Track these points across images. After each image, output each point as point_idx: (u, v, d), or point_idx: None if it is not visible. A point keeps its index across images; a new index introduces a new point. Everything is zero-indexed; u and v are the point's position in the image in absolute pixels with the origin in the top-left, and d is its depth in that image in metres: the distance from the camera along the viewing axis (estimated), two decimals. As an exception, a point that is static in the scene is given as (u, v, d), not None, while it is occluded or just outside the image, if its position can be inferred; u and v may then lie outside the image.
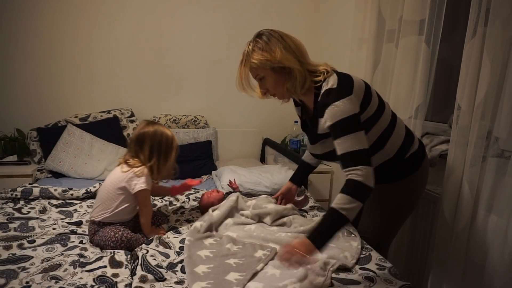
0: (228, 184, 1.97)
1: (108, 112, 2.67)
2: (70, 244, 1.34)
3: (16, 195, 1.75)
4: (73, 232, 1.46)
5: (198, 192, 2.03)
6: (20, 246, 1.30)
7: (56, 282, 1.07)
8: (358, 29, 2.28)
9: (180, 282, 1.13)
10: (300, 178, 1.70)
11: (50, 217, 1.58)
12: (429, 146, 1.75)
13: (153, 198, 1.87)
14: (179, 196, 1.97)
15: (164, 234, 1.46)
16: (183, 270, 1.19)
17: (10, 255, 1.24)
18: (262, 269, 1.19)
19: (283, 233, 1.43)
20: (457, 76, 1.52)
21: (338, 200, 1.10)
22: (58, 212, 1.65)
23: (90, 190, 1.85)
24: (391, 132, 1.32)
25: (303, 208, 1.79)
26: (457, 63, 1.55)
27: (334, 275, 1.16)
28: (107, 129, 2.57)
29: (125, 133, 2.65)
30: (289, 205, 1.63)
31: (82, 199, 1.83)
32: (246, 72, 1.30)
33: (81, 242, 1.38)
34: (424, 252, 1.75)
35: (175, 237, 1.44)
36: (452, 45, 1.83)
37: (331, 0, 2.82)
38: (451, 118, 1.60)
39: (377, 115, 1.28)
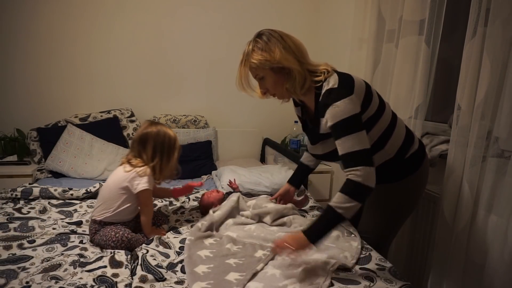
0: (228, 184, 1.97)
1: (108, 112, 2.67)
2: (70, 244, 1.34)
3: (16, 195, 1.75)
4: (73, 232, 1.46)
5: (198, 192, 2.03)
6: (20, 246, 1.30)
7: (56, 282, 1.07)
8: (358, 29, 2.28)
9: (180, 282, 1.13)
10: (299, 180, 1.70)
11: (50, 217, 1.58)
12: (429, 146, 1.75)
13: (154, 198, 1.87)
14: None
15: (165, 235, 1.46)
16: (183, 270, 1.19)
17: (10, 255, 1.24)
18: (262, 269, 1.19)
19: (283, 233, 1.43)
20: (457, 76, 1.52)
21: (336, 199, 1.13)
22: (58, 212, 1.65)
23: (90, 190, 1.85)
24: (391, 132, 1.32)
25: (303, 208, 1.79)
26: (457, 63, 1.55)
27: (334, 275, 1.16)
28: (107, 129, 2.57)
29: (125, 133, 2.65)
30: (289, 205, 1.63)
31: (82, 199, 1.83)
32: (246, 72, 1.30)
33: (81, 242, 1.38)
34: (424, 252, 1.75)
35: (175, 237, 1.44)
36: (452, 45, 1.83)
37: (331, 0, 2.82)
38: (451, 118, 1.60)
39: (378, 115, 1.28)
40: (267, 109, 2.99)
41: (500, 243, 1.34)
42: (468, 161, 1.47)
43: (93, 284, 1.08)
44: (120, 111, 2.70)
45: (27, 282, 1.06)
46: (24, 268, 1.15)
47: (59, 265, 1.17)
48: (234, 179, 1.99)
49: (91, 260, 1.21)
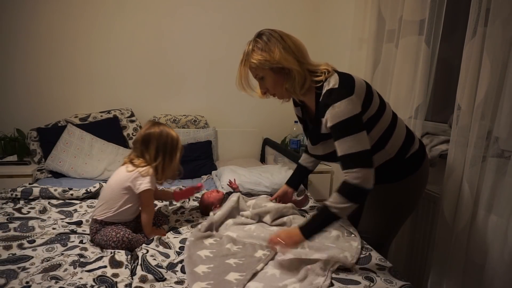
0: (228, 184, 1.97)
1: (108, 112, 2.67)
2: (70, 244, 1.34)
3: (16, 195, 1.75)
4: (73, 232, 1.46)
5: (198, 192, 2.03)
6: (20, 246, 1.30)
7: (56, 282, 1.07)
8: (358, 29, 2.28)
9: (180, 282, 1.13)
10: (297, 181, 1.70)
11: (50, 217, 1.58)
12: (429, 146, 1.75)
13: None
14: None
15: (165, 235, 1.46)
16: (183, 270, 1.19)
17: (10, 255, 1.24)
18: (262, 269, 1.19)
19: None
20: (457, 76, 1.52)
21: (333, 199, 1.16)
22: (58, 212, 1.65)
23: (90, 190, 1.85)
24: (392, 132, 1.32)
25: (303, 208, 1.79)
26: (457, 63, 1.55)
27: (334, 275, 1.16)
28: (107, 129, 2.57)
29: (125, 133, 2.65)
30: (289, 204, 1.63)
31: (82, 199, 1.83)
32: (246, 72, 1.30)
33: (81, 242, 1.38)
34: (424, 252, 1.75)
35: (175, 237, 1.44)
36: (452, 45, 1.83)
37: (331, 0, 2.82)
38: (451, 118, 1.60)
39: (378, 115, 1.28)
40: (267, 109, 2.99)
41: (500, 243, 1.34)
42: (468, 161, 1.47)
43: (93, 284, 1.08)
44: (120, 111, 2.70)
45: (27, 282, 1.06)
46: (24, 268, 1.15)
47: (59, 265, 1.17)
48: (234, 179, 1.99)
49: (91, 260, 1.21)
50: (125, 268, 1.17)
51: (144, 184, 1.41)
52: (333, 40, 2.77)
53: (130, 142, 2.65)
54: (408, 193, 1.43)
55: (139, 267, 1.17)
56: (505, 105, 1.33)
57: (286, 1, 2.94)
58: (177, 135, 1.52)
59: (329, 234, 1.44)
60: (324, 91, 1.23)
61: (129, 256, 1.26)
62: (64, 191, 1.81)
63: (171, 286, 1.10)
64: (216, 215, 1.54)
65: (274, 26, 1.36)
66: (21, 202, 1.72)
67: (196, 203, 1.85)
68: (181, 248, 1.35)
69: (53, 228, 1.46)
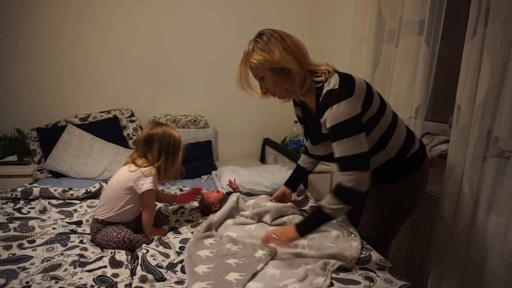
0: (228, 184, 1.97)
1: (108, 112, 2.67)
2: (70, 244, 1.34)
3: (16, 195, 1.75)
4: (73, 232, 1.46)
5: (199, 195, 2.03)
6: (20, 246, 1.30)
7: (56, 282, 1.07)
8: (358, 29, 2.28)
9: (180, 282, 1.13)
10: (296, 182, 1.70)
11: (50, 217, 1.58)
12: (429, 146, 1.75)
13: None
14: (179, 196, 1.97)
15: (165, 235, 1.46)
16: (183, 270, 1.19)
17: (10, 255, 1.24)
18: (262, 269, 1.19)
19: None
20: (457, 76, 1.52)
21: (327, 200, 1.19)
22: (58, 212, 1.65)
23: (90, 190, 1.85)
24: (392, 132, 1.32)
25: (303, 208, 1.79)
26: (457, 63, 1.55)
27: (334, 275, 1.16)
28: (107, 129, 2.57)
29: (125, 133, 2.65)
30: (289, 203, 1.63)
31: (82, 199, 1.83)
32: (246, 71, 1.30)
33: (81, 242, 1.38)
34: (424, 252, 1.75)
35: (175, 237, 1.44)
36: (452, 45, 1.83)
37: (331, 0, 2.82)
38: (451, 118, 1.60)
39: (379, 115, 1.28)
40: (267, 109, 2.99)
41: (500, 243, 1.34)
42: (468, 161, 1.47)
43: (93, 284, 1.08)
44: (120, 111, 2.70)
45: (27, 282, 1.06)
46: (24, 268, 1.15)
47: (59, 265, 1.17)
48: (234, 179, 1.99)
49: (91, 260, 1.21)
50: (125, 268, 1.17)
51: (146, 184, 1.42)
52: (333, 40, 2.77)
53: (130, 142, 2.65)
54: (408, 193, 1.43)
55: (139, 267, 1.17)
56: (505, 105, 1.33)
57: (286, 1, 2.94)
58: (179, 135, 1.53)
59: (329, 234, 1.44)
60: (324, 91, 1.23)
61: (129, 256, 1.26)
62: (64, 191, 1.81)
63: (171, 286, 1.10)
64: (215, 215, 1.54)
65: (274, 26, 1.36)
66: (21, 202, 1.72)
67: (196, 203, 1.85)
68: (181, 248, 1.35)
69: (53, 228, 1.46)
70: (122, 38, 2.68)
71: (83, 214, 1.66)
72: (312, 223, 1.23)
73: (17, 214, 1.57)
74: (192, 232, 1.48)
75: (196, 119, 2.85)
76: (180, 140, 1.52)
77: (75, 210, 1.70)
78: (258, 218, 1.57)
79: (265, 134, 3.05)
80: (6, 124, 2.52)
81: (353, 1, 2.30)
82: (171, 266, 1.22)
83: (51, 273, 1.11)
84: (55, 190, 1.80)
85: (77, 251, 1.28)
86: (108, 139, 2.51)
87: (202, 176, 2.49)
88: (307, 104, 1.39)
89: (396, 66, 1.91)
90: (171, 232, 1.50)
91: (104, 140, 2.49)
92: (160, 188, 1.67)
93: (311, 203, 1.87)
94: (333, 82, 1.21)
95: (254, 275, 1.15)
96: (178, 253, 1.31)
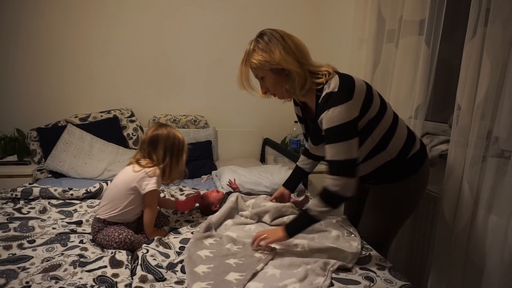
0: (228, 184, 1.97)
1: (108, 112, 2.67)
2: (70, 244, 1.34)
3: (16, 195, 1.75)
4: (73, 232, 1.46)
5: (198, 192, 2.03)
6: (20, 246, 1.30)
7: (56, 282, 1.07)
8: (358, 29, 2.28)
9: (180, 282, 1.13)
10: (294, 183, 1.70)
11: (50, 217, 1.58)
12: (429, 146, 1.75)
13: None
14: (178, 196, 1.97)
15: (165, 236, 1.46)
16: (183, 270, 1.19)
17: (10, 255, 1.24)
18: (262, 269, 1.19)
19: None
20: (457, 76, 1.52)
21: (314, 202, 1.23)
22: (58, 212, 1.65)
23: (90, 190, 1.85)
24: (393, 133, 1.33)
25: (303, 208, 1.79)
26: (457, 63, 1.55)
27: (334, 275, 1.16)
28: (107, 129, 2.57)
29: (125, 133, 2.65)
30: (288, 203, 1.63)
31: (82, 199, 1.83)
32: (247, 71, 1.30)
33: (81, 242, 1.38)
34: (424, 252, 1.75)
35: (175, 238, 1.44)
36: (452, 45, 1.83)
37: (331, 0, 2.82)
38: (451, 118, 1.59)
39: (379, 117, 1.28)
40: (267, 109, 2.99)
41: (500, 243, 1.34)
42: (468, 161, 1.47)
43: (93, 284, 1.08)
44: (120, 111, 2.70)
45: (27, 282, 1.06)
46: (24, 268, 1.15)
47: (59, 265, 1.17)
48: (234, 179, 1.99)
49: (91, 260, 1.21)
50: (125, 268, 1.17)
51: (150, 184, 1.42)
52: (333, 40, 2.77)
53: (130, 142, 2.65)
54: (408, 193, 1.43)
55: (139, 267, 1.17)
56: (505, 105, 1.33)
57: (286, 1, 2.94)
58: (183, 137, 1.54)
59: (329, 234, 1.44)
60: (323, 93, 1.23)
61: (130, 257, 1.26)
62: (64, 191, 1.81)
63: (171, 286, 1.10)
64: (214, 216, 1.54)
65: (274, 26, 1.36)
66: (21, 202, 1.72)
67: (196, 203, 1.85)
68: (181, 248, 1.35)
69: (53, 228, 1.46)
70: (122, 38, 2.68)
71: (83, 214, 1.66)
72: (299, 224, 1.28)
73: (17, 214, 1.57)
74: (192, 232, 1.48)
75: (196, 119, 2.85)
76: (184, 141, 1.53)
77: (75, 210, 1.69)
78: (258, 218, 1.57)
79: (265, 134, 3.05)
80: (6, 124, 2.52)
81: (353, 1, 2.30)
82: (171, 266, 1.22)
83: (51, 273, 1.11)
84: (55, 190, 1.80)
85: (77, 251, 1.28)
86: (108, 139, 2.52)
87: (202, 176, 2.49)
88: (307, 104, 1.39)
89: (396, 66, 1.91)
90: (171, 232, 1.50)
91: (104, 140, 2.50)
92: (161, 187, 1.67)
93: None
94: (333, 85, 1.21)
95: (254, 275, 1.14)
96: (178, 253, 1.31)
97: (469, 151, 1.47)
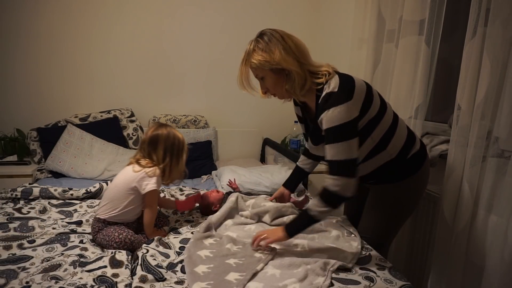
0: (228, 184, 1.97)
1: (108, 112, 2.67)
2: (70, 244, 1.34)
3: (16, 195, 1.75)
4: (73, 232, 1.46)
5: (198, 192, 2.03)
6: (20, 246, 1.30)
7: (56, 282, 1.07)
8: (358, 29, 2.28)
9: (180, 282, 1.13)
10: (294, 183, 1.70)
11: (50, 217, 1.58)
12: (429, 146, 1.75)
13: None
14: (178, 196, 1.97)
15: (165, 236, 1.46)
16: (183, 270, 1.19)
17: (10, 255, 1.24)
18: (262, 269, 1.19)
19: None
20: (457, 76, 1.52)
21: (314, 202, 1.23)
22: (58, 212, 1.65)
23: (90, 190, 1.85)
24: (393, 133, 1.33)
25: (303, 208, 1.79)
26: (457, 63, 1.55)
27: (334, 275, 1.16)
28: (107, 129, 2.57)
29: (125, 133, 2.65)
30: (288, 203, 1.63)
31: (82, 199, 1.83)
32: (247, 71, 1.30)
33: (81, 242, 1.38)
34: (424, 252, 1.75)
35: (175, 238, 1.44)
36: (452, 45, 1.83)
37: (331, 0, 2.82)
38: (451, 118, 1.59)
39: (379, 117, 1.28)
40: (267, 109, 2.99)
41: (500, 243, 1.34)
42: (468, 161, 1.47)
43: (93, 284, 1.08)
44: (120, 111, 2.70)
45: (27, 282, 1.06)
46: (24, 268, 1.15)
47: (59, 265, 1.17)
48: (234, 179, 1.99)
49: (91, 260, 1.21)
50: (125, 268, 1.17)
51: (150, 184, 1.42)
52: (333, 40, 2.77)
53: (130, 142, 2.65)
54: (409, 193, 1.43)
55: (139, 267, 1.17)
56: (505, 105, 1.33)
57: (286, 1, 2.94)
58: (183, 137, 1.54)
59: (329, 234, 1.44)
60: (323, 93, 1.23)
61: (130, 257, 1.26)
62: (64, 191, 1.81)
63: (171, 286, 1.10)
64: (214, 216, 1.54)
65: (274, 26, 1.36)
66: (21, 202, 1.72)
67: (196, 203, 1.85)
68: (181, 248, 1.35)
69: (53, 228, 1.46)
70: (122, 38, 2.68)
71: (83, 214, 1.66)
72: (299, 224, 1.28)
73: (17, 214, 1.57)
74: (192, 232, 1.48)
75: (196, 119, 2.85)
76: (184, 141, 1.53)
77: (75, 210, 1.69)
78: (258, 218, 1.57)
79: (265, 134, 3.05)
80: (6, 124, 2.52)
81: (353, 1, 2.30)
82: (171, 266, 1.22)
83: (51, 273, 1.11)
84: (55, 190, 1.80)
85: (77, 251, 1.28)
86: (108, 139, 2.52)
87: (202, 176, 2.49)
88: (307, 104, 1.39)
89: (396, 66, 1.91)
90: (171, 232, 1.50)
91: (104, 140, 2.49)
92: (161, 187, 1.66)
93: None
94: (333, 85, 1.21)
95: (254, 275, 1.14)
96: (178, 253, 1.31)
97: (469, 151, 1.47)
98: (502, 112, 1.34)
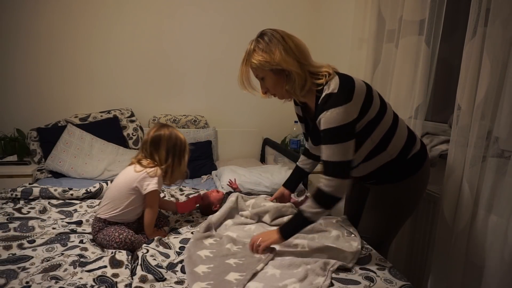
0: (228, 184, 1.97)
1: (108, 112, 2.67)
2: (70, 244, 1.34)
3: (16, 195, 1.75)
4: (73, 232, 1.46)
5: (198, 192, 2.03)
6: (20, 246, 1.30)
7: (56, 282, 1.07)
8: (358, 29, 2.28)
9: (180, 282, 1.13)
10: (294, 183, 1.70)
11: (50, 217, 1.58)
12: (429, 146, 1.74)
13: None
14: (178, 196, 1.97)
15: (165, 236, 1.46)
16: (183, 270, 1.19)
17: (10, 255, 1.24)
18: (262, 269, 1.19)
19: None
20: (457, 76, 1.52)
21: (307, 203, 1.24)
22: (58, 212, 1.65)
23: (90, 190, 1.85)
24: (393, 133, 1.33)
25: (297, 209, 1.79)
26: (457, 63, 1.55)
27: (334, 275, 1.16)
28: (107, 129, 2.57)
29: (125, 133, 2.66)
30: (288, 203, 1.63)
31: (82, 199, 1.83)
32: (248, 71, 1.30)
33: (81, 241, 1.38)
34: (424, 252, 1.75)
35: (175, 238, 1.44)
36: (452, 45, 1.83)
37: (331, 0, 2.82)
38: (451, 118, 1.59)
39: (379, 118, 1.28)
40: (267, 109, 2.99)
41: (500, 243, 1.34)
42: (468, 161, 1.47)
43: (93, 284, 1.08)
44: (120, 111, 2.70)
45: (27, 282, 1.06)
46: (24, 268, 1.15)
47: (59, 265, 1.17)
48: (235, 179, 1.99)
49: (91, 260, 1.21)
50: (125, 268, 1.17)
51: (151, 185, 1.42)
52: (333, 40, 2.77)
53: (130, 142, 2.65)
54: (409, 193, 1.43)
55: (139, 267, 1.17)
56: (505, 105, 1.33)
57: (286, 1, 2.94)
58: (185, 137, 1.54)
59: (329, 234, 1.44)
60: (323, 94, 1.23)
61: (130, 257, 1.26)
62: (64, 191, 1.81)
63: (171, 286, 1.10)
64: (214, 216, 1.54)
65: (274, 26, 1.35)
66: (21, 202, 1.72)
67: (196, 204, 1.85)
68: (181, 248, 1.35)
69: (53, 228, 1.46)
70: (122, 38, 2.68)
71: (83, 214, 1.66)
72: (293, 226, 1.28)
73: (17, 214, 1.57)
74: (192, 232, 1.48)
75: (196, 119, 2.85)
76: (185, 142, 1.54)
77: (75, 210, 1.69)
78: (258, 218, 1.57)
79: (265, 134, 3.05)
80: (6, 124, 2.52)
81: (353, 1, 2.30)
82: (171, 266, 1.22)
83: (51, 273, 1.11)
84: (55, 190, 1.80)
85: (77, 251, 1.28)
86: (108, 139, 2.52)
87: (202, 176, 2.49)
88: (308, 105, 1.39)
89: (396, 66, 1.91)
90: (171, 232, 1.50)
91: (104, 140, 2.50)
92: (162, 187, 1.66)
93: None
94: (333, 86, 1.21)
95: (254, 275, 1.14)
96: (178, 253, 1.32)
97: (469, 151, 1.47)
98: (502, 112, 1.34)
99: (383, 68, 2.05)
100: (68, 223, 1.53)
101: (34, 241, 1.34)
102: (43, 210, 1.64)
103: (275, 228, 1.50)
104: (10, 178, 2.25)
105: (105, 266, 1.17)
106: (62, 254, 1.25)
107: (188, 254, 1.26)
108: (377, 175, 1.39)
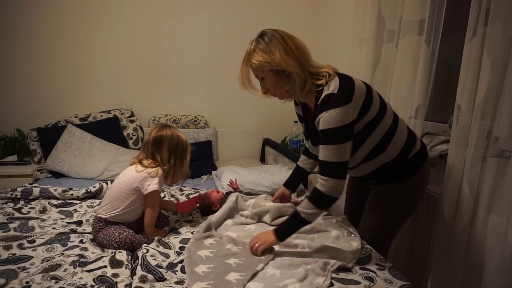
0: (228, 184, 1.97)
1: (108, 112, 2.67)
2: (70, 244, 1.34)
3: (16, 195, 1.75)
4: (73, 232, 1.46)
5: (198, 192, 2.03)
6: (20, 246, 1.31)
7: (56, 282, 1.07)
8: (358, 29, 2.28)
9: (180, 282, 1.13)
10: (295, 183, 1.70)
11: (50, 217, 1.58)
12: (429, 146, 1.74)
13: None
14: (178, 196, 1.97)
15: (165, 236, 1.46)
16: (183, 270, 1.19)
17: (10, 255, 1.24)
18: (262, 269, 1.19)
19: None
20: (457, 76, 1.52)
21: (303, 204, 1.24)
22: (58, 212, 1.65)
23: (90, 190, 1.85)
24: (393, 134, 1.33)
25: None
26: (457, 63, 1.55)
27: (334, 275, 1.16)
28: (107, 129, 2.57)
29: (125, 133, 2.66)
30: (289, 203, 1.63)
31: (82, 199, 1.83)
32: (248, 71, 1.30)
33: (81, 241, 1.38)
34: (424, 252, 1.75)
35: (175, 238, 1.44)
36: (452, 45, 1.83)
37: (331, 0, 2.82)
38: (451, 118, 1.59)
39: (379, 118, 1.28)
40: (267, 109, 2.99)
41: (500, 243, 1.34)
42: (468, 161, 1.47)
43: (93, 284, 1.08)
44: (120, 111, 2.70)
45: (27, 282, 1.06)
46: (24, 268, 1.15)
47: (59, 265, 1.17)
48: (236, 179, 1.99)
49: (91, 260, 1.21)
50: (125, 268, 1.17)
51: (152, 185, 1.42)
52: (333, 40, 2.77)
53: (130, 142, 2.65)
54: (409, 193, 1.43)
55: (139, 267, 1.17)
56: (505, 105, 1.33)
57: (286, 1, 2.94)
58: (186, 138, 1.55)
59: (329, 234, 1.44)
60: (323, 95, 1.23)
61: (130, 256, 1.26)
62: (64, 191, 1.81)
63: (171, 286, 1.10)
64: (214, 216, 1.54)
65: (274, 26, 1.35)
66: (21, 202, 1.72)
67: (196, 205, 1.85)
68: (181, 248, 1.35)
69: (53, 228, 1.46)
70: (122, 38, 2.68)
71: (83, 214, 1.66)
72: (289, 227, 1.28)
73: (17, 214, 1.57)
74: (192, 232, 1.48)
75: (196, 119, 2.85)
76: (187, 143, 1.54)
77: (75, 210, 1.70)
78: (258, 218, 1.57)
79: (265, 134, 3.05)
80: (6, 124, 2.52)
81: (353, 1, 2.30)
82: (171, 266, 1.22)
83: (51, 273, 1.11)
84: (55, 190, 1.80)
85: (77, 251, 1.28)
86: (108, 139, 2.52)
87: (202, 176, 2.49)
88: (308, 105, 1.39)
89: (396, 66, 1.91)
90: (171, 232, 1.50)
91: (104, 140, 2.50)
92: (164, 196, 1.67)
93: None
94: (333, 87, 1.21)
95: (254, 275, 1.14)
96: (178, 253, 1.32)
97: (469, 151, 1.47)
98: (502, 112, 1.34)
99: (383, 68, 2.05)
100: (68, 223, 1.53)
101: (34, 241, 1.34)
102: (43, 210, 1.64)
103: (266, 231, 1.51)
104: (10, 178, 2.25)
105: (105, 266, 1.17)
106: (62, 254, 1.25)
107: (188, 254, 1.26)
108: (377, 175, 1.39)
